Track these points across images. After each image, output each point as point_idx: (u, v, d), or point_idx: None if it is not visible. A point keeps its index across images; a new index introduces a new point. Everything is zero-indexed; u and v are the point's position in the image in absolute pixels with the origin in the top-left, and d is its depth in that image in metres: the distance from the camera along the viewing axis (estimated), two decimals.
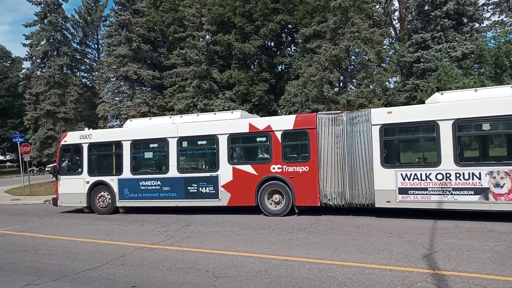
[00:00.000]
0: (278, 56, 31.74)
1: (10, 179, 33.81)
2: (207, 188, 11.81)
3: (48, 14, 37.01)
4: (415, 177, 9.49)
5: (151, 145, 13.12)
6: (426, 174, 9.36)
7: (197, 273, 5.73)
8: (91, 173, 13.36)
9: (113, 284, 5.46)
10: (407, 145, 10.77)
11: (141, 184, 12.57)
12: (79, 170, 13.50)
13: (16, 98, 45.20)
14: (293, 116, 11.49)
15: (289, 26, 31.81)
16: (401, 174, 9.61)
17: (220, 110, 28.76)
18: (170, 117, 13.49)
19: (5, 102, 46.99)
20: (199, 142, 12.46)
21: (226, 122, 12.07)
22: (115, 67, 31.49)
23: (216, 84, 30.21)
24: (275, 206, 11.09)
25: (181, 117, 13.39)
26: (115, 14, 32.38)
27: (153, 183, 12.51)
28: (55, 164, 14.33)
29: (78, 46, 42.00)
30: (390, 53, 29.14)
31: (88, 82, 42.74)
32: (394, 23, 35.42)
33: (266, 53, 32.67)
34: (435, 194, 9.25)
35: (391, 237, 7.46)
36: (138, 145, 13.02)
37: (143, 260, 6.65)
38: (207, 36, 30.60)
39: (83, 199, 13.21)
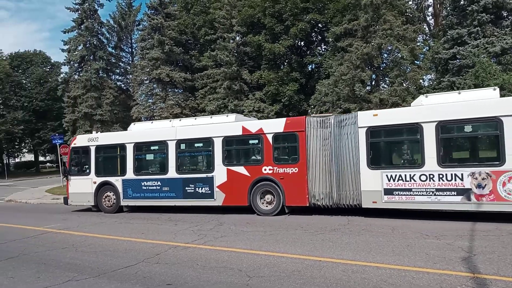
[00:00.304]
0: (308, 56, 31.57)
1: (50, 179, 35.33)
2: (203, 188, 12.27)
3: (85, 20, 38.40)
4: (400, 178, 9.70)
5: (152, 148, 13.75)
6: (410, 175, 9.56)
7: (230, 272, 5.80)
8: (98, 174, 14.02)
9: (149, 282, 5.60)
10: (392, 147, 11.03)
11: (143, 184, 13.15)
12: (87, 171, 14.22)
13: (55, 102, 47.16)
14: (283, 119, 11.82)
15: (319, 25, 31.57)
16: (386, 175, 9.84)
17: (251, 111, 28.95)
18: (170, 121, 14.11)
19: (45, 106, 49.11)
20: (196, 145, 12.92)
21: (221, 125, 12.53)
22: (148, 70, 32.28)
23: (246, 85, 30.41)
24: (267, 206, 11.43)
25: (180, 120, 13.96)
26: (148, 18, 33.21)
27: (154, 183, 13.06)
28: (65, 165, 15.12)
29: (113, 50, 43.35)
30: (424, 50, 28.32)
31: (122, 85, 44.02)
32: (428, 19, 34.36)
33: (296, 52, 32.57)
34: (419, 195, 9.44)
35: (427, 239, 7.27)
36: (140, 148, 13.61)
37: (177, 259, 6.79)
38: (237, 38, 30.84)
39: (91, 198, 13.93)
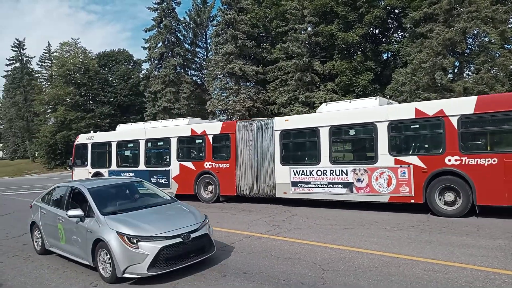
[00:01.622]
0: (384, 44, 30.20)
1: None
2: (163, 179, 14.83)
3: (163, 19, 40.42)
4: (302, 173, 11.57)
5: (129, 145, 16.34)
6: (310, 170, 11.42)
7: (305, 265, 5.80)
8: (92, 166, 17.11)
9: (225, 269, 5.80)
10: (298, 147, 12.68)
11: (122, 175, 15.58)
12: (86, 163, 17.36)
13: (137, 97, 50.49)
14: (220, 123, 14.41)
15: (396, 11, 29.96)
16: (293, 171, 11.73)
17: (322, 102, 28.47)
18: (143, 123, 16.87)
19: (128, 100, 52.77)
20: (158, 143, 15.43)
21: (176, 127, 14.96)
22: (222, 64, 33.15)
23: (317, 76, 29.97)
24: (208, 195, 13.76)
25: (150, 123, 16.67)
26: (221, 14, 34.03)
27: (129, 175, 15.56)
28: (71, 158, 18.35)
29: (189, 46, 45.18)
30: None
31: (198, 80, 45.76)
32: None
33: (371, 41, 31.33)
34: (316, 187, 11.29)
35: None
36: (121, 145, 16.42)
37: (251, 248, 6.94)
38: (309, 28, 30.44)
39: None
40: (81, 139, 18.05)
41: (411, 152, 10.07)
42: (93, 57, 54.17)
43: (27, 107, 58.54)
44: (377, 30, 31.79)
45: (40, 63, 60.20)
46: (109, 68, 56.39)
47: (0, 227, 10.46)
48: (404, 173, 9.86)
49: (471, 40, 23.61)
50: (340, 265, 5.70)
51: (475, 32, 22.06)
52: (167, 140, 14.89)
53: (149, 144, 15.54)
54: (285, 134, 12.14)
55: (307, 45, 30.12)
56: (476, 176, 8.83)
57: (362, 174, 10.47)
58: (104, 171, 16.56)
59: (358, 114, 10.82)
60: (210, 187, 13.72)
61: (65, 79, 49.53)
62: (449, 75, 23.67)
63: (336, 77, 29.09)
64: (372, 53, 29.36)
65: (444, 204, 9.30)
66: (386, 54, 31.64)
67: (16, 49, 62.09)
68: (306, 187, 11.49)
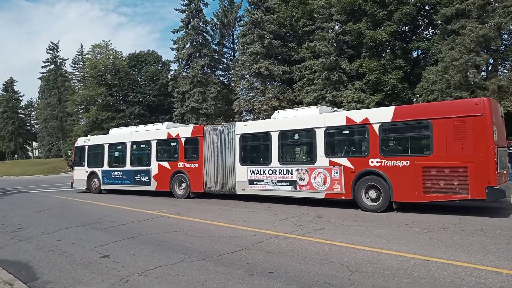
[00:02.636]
0: (414, 41, 29.48)
1: None
2: (145, 177, 16.63)
3: (191, 20, 40.95)
4: (257, 172, 13.07)
5: (118, 147, 18.13)
6: (263, 170, 12.92)
7: (331, 266, 5.75)
8: (89, 165, 19.21)
9: (252, 268, 5.82)
10: (254, 149, 14.06)
11: (112, 174, 18.01)
12: (83, 164, 19.42)
13: (166, 97, 51.37)
14: (191, 127, 15.81)
15: (427, 7, 29.21)
16: (250, 170, 13.24)
17: (349, 102, 28.12)
18: (131, 128, 18.83)
19: (157, 101, 53.79)
20: (141, 145, 17.17)
21: (156, 131, 16.77)
22: (248, 64, 33.28)
23: (345, 75, 29.62)
24: (181, 191, 15.45)
25: (136, 127, 18.70)
26: (248, 14, 34.16)
27: (118, 173, 17.78)
28: (71, 159, 20.83)
29: (216, 47, 45.58)
30: None
31: (225, 80, 46.11)
32: None
33: (400, 38, 30.66)
34: (268, 185, 12.76)
35: None
36: (111, 147, 18.30)
37: (278, 248, 6.94)
38: (336, 27, 30.12)
39: (85, 183, 19.23)
40: (80, 141, 20.27)
41: (342, 154, 11.54)
42: (124, 59, 55.53)
43: (61, 108, 60.68)
44: (406, 28, 31.08)
45: (73, 65, 62.35)
46: (138, 69, 57.65)
47: (36, 223, 10.88)
48: (337, 173, 11.24)
49: (506, 36, 22.75)
50: (368, 267, 5.62)
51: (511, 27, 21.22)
52: (148, 143, 16.77)
53: (134, 146, 17.43)
54: (244, 137, 13.70)
55: (335, 44, 29.81)
56: (393, 176, 10.14)
57: (304, 174, 11.91)
58: (98, 170, 18.72)
59: (301, 120, 12.30)
60: (183, 185, 15.49)
61: (97, 80, 51.03)
62: (483, 73, 22.89)
63: (364, 76, 28.65)
64: (402, 51, 28.74)
65: (370, 201, 10.63)
66: (416, 52, 30.89)
67: (51, 52, 64.50)
68: (260, 184, 13.02)
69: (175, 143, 15.92)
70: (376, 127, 10.48)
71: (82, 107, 53.56)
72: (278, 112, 13.83)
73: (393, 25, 27.42)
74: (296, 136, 12.78)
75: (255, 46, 32.53)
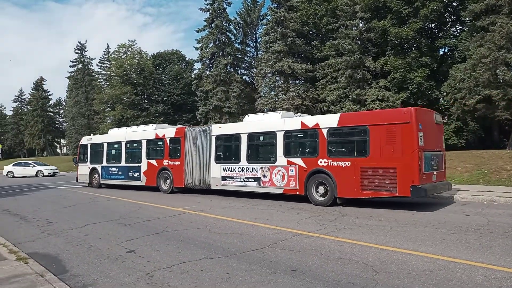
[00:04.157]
0: (440, 38, 28.80)
1: None
2: (136, 173, 18.38)
3: (215, 19, 41.20)
4: (229, 169, 14.59)
5: (115, 146, 19.85)
6: (233, 167, 14.42)
7: (355, 265, 5.71)
8: (91, 162, 21.13)
9: (275, 266, 5.84)
10: (227, 149, 15.41)
11: (110, 170, 19.86)
12: (86, 160, 21.42)
13: (189, 96, 51.91)
14: (175, 128, 17.47)
15: (454, 3, 28.44)
16: (223, 167, 14.78)
17: (374, 100, 27.71)
18: (126, 128, 20.74)
19: (181, 99, 54.42)
20: (134, 144, 18.81)
21: (146, 132, 18.54)
22: (271, 63, 33.23)
23: (369, 73, 29.20)
24: (166, 186, 17.04)
25: (131, 128, 20.75)
26: (271, 12, 34.11)
27: (115, 169, 19.60)
28: (76, 156, 23.11)
29: (239, 46, 45.71)
30: None
31: (247, 79, 46.21)
32: None
33: (426, 35, 30.00)
34: (237, 181, 14.26)
35: None
36: (109, 146, 20.15)
37: (301, 246, 6.94)
38: (361, 24, 29.72)
39: (87, 178, 21.15)
40: (84, 140, 22.36)
41: (297, 155, 12.86)
42: (148, 58, 56.43)
43: (88, 106, 62.22)
44: (433, 25, 30.37)
45: (100, 64, 63.82)
46: (163, 68, 58.47)
47: (65, 218, 11.22)
48: (293, 171, 12.62)
49: None
50: (393, 267, 5.55)
51: None
52: (139, 142, 18.46)
53: (128, 145, 19.12)
54: (218, 138, 15.18)
55: (359, 42, 29.42)
56: (337, 174, 11.45)
57: (266, 171, 13.36)
58: (98, 167, 20.66)
59: (266, 124, 13.80)
60: (168, 181, 17.03)
61: (122, 79, 52.05)
62: None
63: (388, 74, 28.17)
64: (428, 48, 28.10)
65: (319, 196, 11.95)
66: (443, 49, 30.17)
67: (79, 52, 66.19)
68: (231, 181, 14.50)
69: (161, 143, 17.56)
70: (324, 132, 11.90)
71: (108, 105, 54.76)
72: (248, 116, 15.44)
73: (419, 22, 26.83)
74: (261, 138, 14.20)
75: (278, 44, 32.46)
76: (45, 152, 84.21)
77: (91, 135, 23.52)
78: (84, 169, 21.54)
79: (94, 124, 59.94)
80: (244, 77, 45.54)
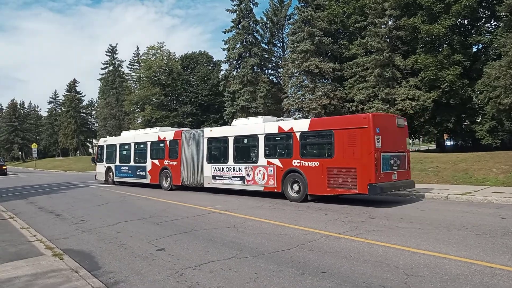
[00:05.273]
0: (474, 35, 27.84)
1: None
2: (142, 172, 20.12)
3: (242, 20, 41.38)
4: (218, 169, 15.99)
5: (125, 147, 21.70)
6: (222, 167, 15.81)
7: (386, 268, 5.60)
8: (106, 162, 23.04)
9: (303, 267, 5.80)
10: (217, 150, 16.69)
11: (122, 169, 21.70)
12: (103, 160, 23.37)
13: (217, 96, 52.36)
14: (174, 131, 19.07)
15: None
16: (213, 167, 16.19)
17: (404, 99, 27.10)
18: (135, 131, 23.48)
19: (209, 100, 54.99)
20: (141, 146, 20.50)
21: (151, 134, 20.24)
22: (298, 62, 33.06)
23: (399, 71, 28.59)
24: (166, 184, 18.65)
25: (139, 130, 23.30)
26: (298, 12, 33.95)
27: (126, 168, 21.40)
28: (94, 156, 25.50)
29: (266, 46, 45.71)
30: None
31: (274, 79, 46.14)
32: None
33: (459, 32, 29.09)
34: (226, 179, 15.66)
35: None
36: (121, 147, 21.99)
37: (330, 248, 6.86)
38: (390, 22, 29.12)
39: (103, 176, 23.16)
40: (101, 142, 24.57)
41: (276, 156, 14.03)
42: (177, 59, 57.32)
43: (119, 107, 63.85)
44: (466, 21, 29.39)
45: (130, 66, 65.42)
46: (191, 69, 59.24)
47: (97, 216, 11.56)
48: (271, 170, 13.92)
49: None
50: (425, 271, 5.40)
51: None
52: (145, 144, 20.12)
53: (136, 146, 20.86)
54: (209, 140, 16.62)
55: (388, 40, 28.85)
56: (308, 173, 12.63)
57: (249, 171, 14.65)
58: (112, 166, 22.46)
59: (250, 128, 15.19)
60: (168, 179, 18.58)
61: (152, 80, 53.09)
62: None
63: (419, 72, 27.48)
64: (460, 45, 27.22)
65: (294, 192, 13.18)
66: (477, 47, 29.16)
67: (110, 54, 68.07)
68: (220, 179, 15.92)
69: (162, 144, 19.18)
70: (298, 135, 13.10)
71: (138, 106, 55.98)
72: (235, 120, 17.27)
73: (451, 18, 26.03)
74: (246, 141, 15.40)
75: (305, 44, 32.25)
76: (78, 152, 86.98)
77: (107, 137, 25.51)
78: (101, 167, 23.49)
79: (124, 124, 61.42)
80: (270, 77, 45.51)
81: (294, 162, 13.11)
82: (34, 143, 62.73)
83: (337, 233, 7.98)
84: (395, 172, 12.05)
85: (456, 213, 10.07)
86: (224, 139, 15.90)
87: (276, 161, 13.82)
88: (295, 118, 31.74)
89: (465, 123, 31.65)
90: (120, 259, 6.64)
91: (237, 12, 41.51)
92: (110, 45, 70.90)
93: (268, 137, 14.24)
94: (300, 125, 13.26)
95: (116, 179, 22.29)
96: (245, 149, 15.61)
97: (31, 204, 15.30)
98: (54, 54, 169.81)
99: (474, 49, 29.28)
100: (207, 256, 6.57)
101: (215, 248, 7.16)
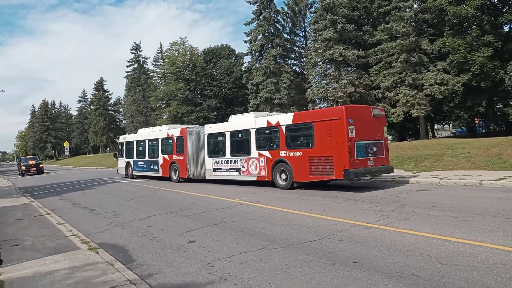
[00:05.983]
0: (505, 14, 26.66)
1: None
2: (155, 166, 22.09)
3: (262, 11, 41.14)
4: (218, 162, 17.49)
5: (141, 143, 23.79)
6: (221, 160, 17.29)
7: (419, 257, 5.50)
8: (126, 157, 25.28)
9: (334, 257, 5.78)
10: (216, 145, 18.10)
11: (138, 163, 23.84)
12: (123, 155, 25.61)
13: (240, 89, 52.46)
14: (179, 129, 20.66)
15: None
16: (213, 161, 17.72)
17: (432, 84, 26.35)
18: (150, 128, 24.75)
19: (232, 93, 55.18)
20: (153, 142, 22.40)
21: (161, 131, 22.00)
22: (321, 51, 32.64)
23: (426, 56, 27.79)
24: (175, 177, 20.40)
25: (152, 128, 24.48)
26: (319, 0, 33.35)
27: (141, 163, 23.53)
28: (115, 152, 28.14)
29: (288, 36, 45.31)
30: None
31: (297, 69, 45.75)
32: None
33: (488, 12, 27.94)
34: (224, 171, 17.17)
35: None
36: (138, 143, 24.15)
37: (360, 238, 6.80)
38: (415, 5, 28.31)
39: (124, 170, 25.38)
40: (121, 139, 26.82)
41: (266, 148, 15.31)
42: (199, 54, 57.69)
43: (145, 103, 64.99)
44: (496, 0, 28.17)
45: (154, 63, 66.38)
46: (213, 63, 59.52)
47: (129, 210, 11.86)
48: (262, 161, 15.29)
49: None
50: (460, 260, 5.28)
51: None
52: (157, 140, 22.02)
53: (149, 143, 22.81)
54: (209, 136, 18.21)
55: (413, 24, 28.04)
56: (293, 163, 13.96)
57: (244, 162, 16.09)
58: (131, 161, 24.62)
59: (243, 123, 16.58)
60: (176, 172, 20.36)
61: (176, 76, 53.68)
62: None
63: (447, 56, 26.62)
64: (491, 26, 26.13)
65: (282, 181, 14.47)
66: (508, 26, 27.95)
67: (134, 52, 69.20)
68: (219, 171, 17.47)
69: (171, 141, 20.87)
70: (283, 128, 14.46)
71: (164, 102, 56.81)
72: (231, 117, 18.26)
73: None
74: (240, 135, 16.67)
75: (328, 32, 31.77)
76: (108, 149, 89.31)
77: (126, 134, 27.54)
78: (122, 162, 25.86)
79: (151, 120, 62.52)
80: (294, 68, 45.15)
81: (281, 153, 14.47)
82: (66, 141, 64.80)
83: (367, 223, 7.90)
84: (371, 159, 13.10)
85: (490, 199, 9.76)
86: (222, 134, 17.44)
87: (266, 153, 15.19)
88: (320, 108, 31.47)
89: (497, 107, 30.53)
90: (153, 252, 6.81)
91: (258, 4, 41.29)
92: (134, 42, 72.20)
93: (259, 131, 15.62)
94: (285, 119, 14.62)
95: (134, 173, 24.32)
96: (239, 143, 16.76)
97: (66, 200, 15.86)
98: (81, 54, 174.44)
99: (506, 29, 28.11)
100: (237, 248, 6.64)
101: (244, 239, 7.22)
